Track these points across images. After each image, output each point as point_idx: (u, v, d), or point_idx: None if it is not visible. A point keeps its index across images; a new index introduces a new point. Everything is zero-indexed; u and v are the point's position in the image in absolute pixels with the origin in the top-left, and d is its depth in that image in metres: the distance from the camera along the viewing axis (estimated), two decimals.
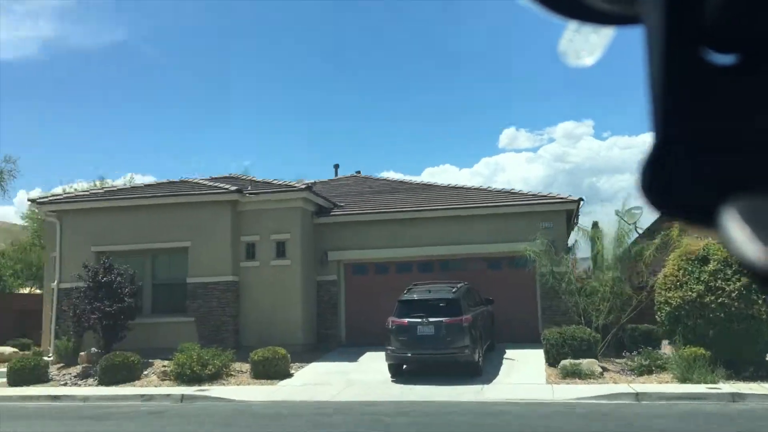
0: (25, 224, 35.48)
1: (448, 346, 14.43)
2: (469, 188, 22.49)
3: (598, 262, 16.76)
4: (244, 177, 21.88)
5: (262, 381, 15.37)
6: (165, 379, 15.64)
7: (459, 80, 68.05)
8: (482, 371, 14.99)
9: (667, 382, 13.93)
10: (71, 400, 13.99)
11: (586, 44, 0.69)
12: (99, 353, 17.23)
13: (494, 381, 14.47)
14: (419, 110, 70.52)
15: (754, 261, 0.53)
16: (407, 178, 25.50)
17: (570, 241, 19.40)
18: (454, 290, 15.31)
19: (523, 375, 14.99)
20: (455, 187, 22.93)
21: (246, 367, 16.36)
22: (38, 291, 30.90)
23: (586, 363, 14.69)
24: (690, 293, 14.70)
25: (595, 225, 18.53)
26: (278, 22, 66.85)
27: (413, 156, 74.52)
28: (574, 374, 14.45)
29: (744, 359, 14.06)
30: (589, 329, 15.91)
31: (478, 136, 72.65)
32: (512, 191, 21.18)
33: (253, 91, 67.97)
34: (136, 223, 19.27)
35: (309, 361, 17.44)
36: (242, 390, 14.54)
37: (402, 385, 14.35)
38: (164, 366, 16.11)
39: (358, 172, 28.16)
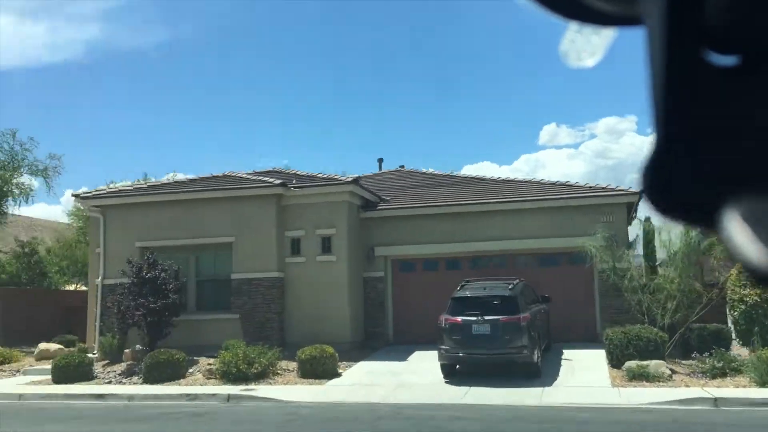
0: (71, 222, 35.74)
1: (505, 346, 13.65)
2: (521, 181, 21.60)
3: (671, 258, 15.70)
4: (288, 171, 21.37)
5: (310, 380, 14.80)
6: (210, 378, 15.19)
7: (498, 76, 66.84)
8: (541, 373, 14.17)
9: (744, 386, 12.90)
10: (116, 399, 13.61)
11: (587, 45, 0.69)
12: (143, 350, 16.91)
13: (555, 383, 13.63)
14: (458, 107, 69.52)
15: (755, 262, 0.52)
16: (453, 172, 24.66)
17: (631, 236, 18.37)
18: (510, 287, 14.51)
19: (586, 377, 14.10)
20: (506, 180, 22.06)
21: (292, 365, 15.84)
22: (84, 288, 31.03)
23: (653, 365, 13.75)
24: None
25: (647, 219, 17.54)
26: (320, 19, 66.57)
27: (451, 154, 73.54)
28: (641, 377, 13.51)
29: None
30: (654, 329, 14.94)
31: (517, 132, 71.36)
32: (567, 183, 20.20)
33: (289, 90, 67.85)
34: (179, 217, 18.92)
35: (356, 359, 16.83)
36: (290, 390, 13.99)
37: (456, 387, 13.61)
38: (209, 364, 15.67)
39: (402, 166, 27.46)
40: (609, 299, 17.67)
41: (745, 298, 13.93)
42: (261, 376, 14.94)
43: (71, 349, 19.78)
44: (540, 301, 16.17)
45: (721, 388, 12.69)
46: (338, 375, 15.29)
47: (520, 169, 64.59)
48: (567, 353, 16.40)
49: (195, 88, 66.92)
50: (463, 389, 13.33)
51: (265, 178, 19.35)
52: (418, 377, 14.72)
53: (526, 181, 21.40)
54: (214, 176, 20.79)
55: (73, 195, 20.27)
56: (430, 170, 24.93)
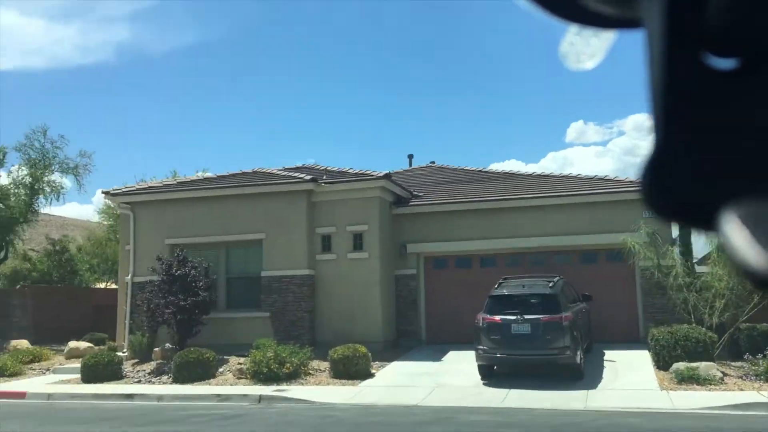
0: (101, 219, 35.83)
1: (546, 347, 13.07)
2: (557, 176, 20.92)
3: (718, 254, 14.95)
4: (318, 167, 20.96)
5: (343, 381, 14.38)
6: (241, 378, 14.85)
7: (524, 74, 65.89)
8: (584, 375, 13.56)
9: None
10: (145, 399, 13.33)
11: (587, 48, 0.69)
12: (173, 349, 16.64)
13: (599, 386, 13.02)
14: (483, 105, 68.71)
15: (754, 265, 0.52)
16: (488, 167, 24.09)
17: (675, 232, 17.60)
18: (550, 285, 13.92)
19: (631, 379, 13.46)
20: (541, 175, 21.42)
21: (324, 365, 15.44)
22: (114, 286, 31.04)
23: (703, 367, 13.07)
24: None
25: None
26: (345, 18, 66.24)
27: (477, 153, 72.72)
28: (690, 379, 12.84)
29: None
30: (703, 329, 14.23)
31: (544, 130, 70.32)
32: (606, 178, 19.48)
33: (314, 89, 67.63)
34: (209, 214, 18.64)
35: (389, 359, 16.36)
36: (322, 391, 13.57)
37: (495, 389, 13.08)
38: (240, 363, 15.33)
39: (432, 162, 26.93)
40: (652, 298, 16.97)
41: None
42: (292, 377, 14.56)
43: (101, 347, 19.63)
44: (581, 299, 15.54)
45: None
46: (371, 375, 14.84)
47: (547, 167, 63.72)
48: (609, 354, 15.75)
49: (222, 88, 67.07)
50: (503, 392, 12.78)
51: (296, 174, 18.97)
52: (454, 378, 14.21)
53: (562, 176, 20.72)
54: (243, 172, 20.48)
55: (102, 192, 20.13)
56: (462, 166, 24.35)
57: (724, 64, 0.57)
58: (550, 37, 65.89)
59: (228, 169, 20.12)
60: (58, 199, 26.81)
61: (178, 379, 15.00)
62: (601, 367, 14.59)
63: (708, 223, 0.56)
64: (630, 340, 16.86)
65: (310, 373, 14.99)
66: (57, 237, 30.62)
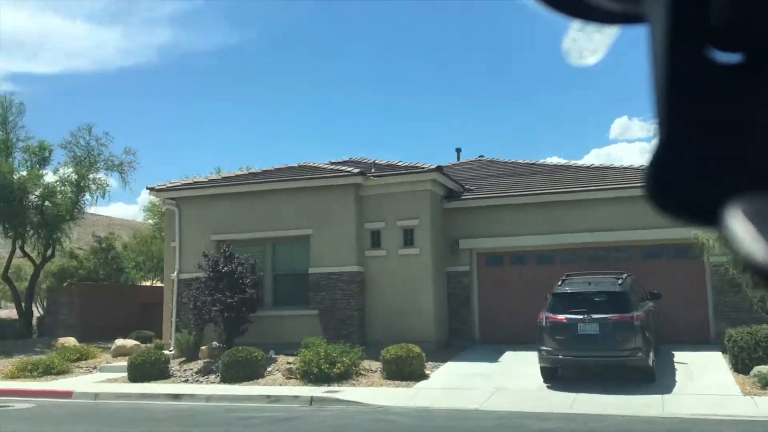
0: (146, 217, 35.90)
1: (616, 348, 12.19)
2: (616, 168, 19.88)
3: None
4: (365, 160, 20.31)
5: (396, 382, 13.71)
6: (290, 378, 14.30)
7: (565, 69, 64.18)
8: (656, 378, 12.63)
9: None
10: (193, 399, 12.87)
11: (589, 43, 0.69)
12: (220, 347, 16.22)
13: (674, 390, 12.08)
14: (523, 100, 67.33)
15: (759, 260, 0.52)
16: (540, 160, 23.09)
17: None
18: (619, 282, 13.03)
19: (707, 383, 12.47)
20: (598, 167, 20.41)
21: (375, 365, 14.80)
22: (159, 283, 31.00)
23: None
24: None
25: None
26: (387, 15, 65.66)
27: (518, 150, 71.38)
28: None
29: None
30: None
31: (586, 126, 68.57)
32: None
33: (356, 86, 67.20)
34: (255, 209, 18.18)
35: (443, 360, 15.64)
36: (376, 392, 12.93)
37: (561, 393, 12.24)
38: (289, 363, 14.79)
39: (481, 156, 26.09)
40: (724, 296, 15.89)
41: None
42: (343, 377, 13.95)
43: (147, 345, 19.38)
44: (648, 297, 14.56)
45: None
46: (426, 377, 14.14)
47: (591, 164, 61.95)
48: (678, 355, 14.77)
49: (263, 87, 67.18)
50: (569, 396, 11.94)
51: (343, 168, 18.39)
52: (515, 381, 13.41)
53: (623, 168, 19.67)
54: (289, 167, 19.99)
55: (147, 188, 19.86)
56: (513, 159, 23.47)
57: (728, 58, 0.56)
58: None
59: (271, 166, 19.64)
60: (103, 197, 26.89)
61: (226, 379, 14.54)
62: (673, 370, 13.63)
63: (712, 219, 0.55)
64: (699, 341, 15.81)
65: (361, 374, 14.36)
66: (103, 235, 30.71)
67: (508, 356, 15.89)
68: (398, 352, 14.09)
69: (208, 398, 12.90)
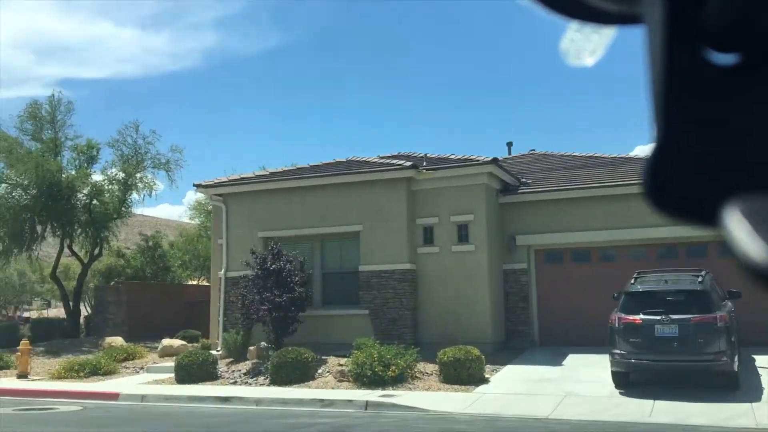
0: (193, 218, 35.81)
1: (698, 352, 11.18)
2: None
3: None
4: (415, 154, 19.54)
5: (455, 386, 12.92)
6: (342, 380, 13.63)
7: (610, 63, 62.47)
8: (740, 384, 11.56)
9: None
10: (242, 402, 12.28)
11: (587, 44, 0.69)
12: (269, 348, 15.66)
13: (763, 398, 11.00)
14: (567, 94, 65.69)
15: (756, 260, 0.51)
16: (597, 153, 21.94)
17: None
18: (699, 280, 11.98)
19: None
20: None
21: (430, 368, 14.04)
22: (205, 282, 30.78)
23: None
24: None
25: None
26: (427, 15, 64.85)
27: (558, 146, 69.76)
28: None
29: None
30: None
31: (631, 121, 66.54)
32: None
33: (399, 84, 66.57)
34: (303, 205, 17.58)
35: (502, 363, 14.79)
36: (434, 397, 12.15)
37: (636, 400, 11.27)
38: (341, 365, 14.12)
39: (533, 150, 25.05)
40: None
41: None
42: (398, 381, 13.21)
43: (194, 344, 18.99)
44: (727, 297, 13.44)
45: None
46: (486, 381, 13.31)
47: None
48: (759, 359, 13.63)
49: (304, 87, 67.07)
50: (647, 403, 10.97)
51: (394, 161, 17.65)
52: (584, 386, 12.47)
53: None
54: (337, 162, 19.35)
55: (195, 185, 19.43)
56: (568, 152, 22.40)
57: (725, 59, 0.56)
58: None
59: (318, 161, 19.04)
60: (150, 195, 26.74)
61: (276, 381, 13.95)
62: (756, 375, 12.53)
63: (709, 218, 0.55)
64: None
65: (416, 377, 13.61)
66: (150, 234, 30.63)
67: (572, 359, 14.96)
68: (456, 355, 13.29)
69: (258, 402, 12.30)
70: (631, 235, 16.46)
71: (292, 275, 15.89)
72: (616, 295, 13.18)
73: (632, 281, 12.59)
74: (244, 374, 14.93)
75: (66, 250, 25.83)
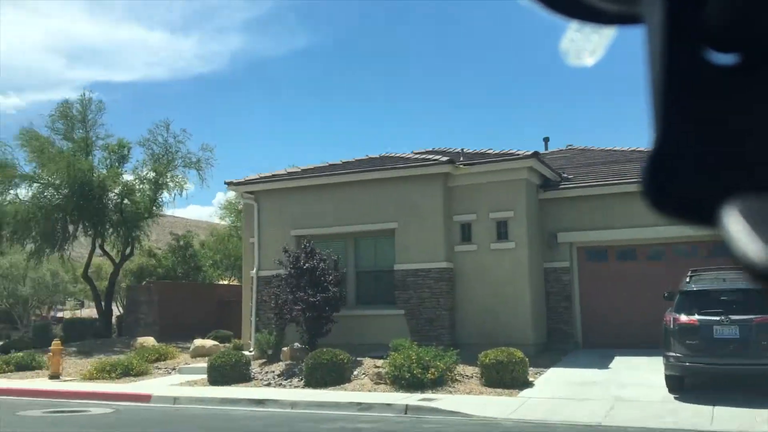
0: (223, 217, 35.67)
1: (761, 355, 10.47)
2: None
3: None
4: (451, 149, 18.98)
5: (497, 390, 12.35)
6: (379, 383, 13.14)
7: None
8: None
9: None
10: (277, 405, 11.85)
11: (587, 44, 0.69)
12: (302, 349, 15.25)
13: None
14: (604, 89, 64.47)
15: (755, 260, 0.51)
16: (639, 147, 21.15)
17: None
18: None
19: None
20: None
21: (470, 370, 13.50)
22: (236, 282, 30.56)
23: None
24: None
25: None
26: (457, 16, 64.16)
27: (600, 140, 68.43)
28: None
29: None
30: None
31: None
32: None
33: (428, 85, 65.95)
34: (336, 203, 17.13)
35: (545, 365, 14.17)
36: (476, 401, 11.59)
37: (693, 406, 10.58)
38: (377, 367, 13.64)
39: (570, 145, 24.30)
40: None
41: None
42: (438, 384, 12.67)
43: (226, 345, 18.68)
44: None
45: None
46: (529, 384, 12.71)
47: None
48: None
49: (332, 87, 66.84)
50: (704, 410, 10.28)
51: (430, 156, 17.11)
52: (634, 391, 11.81)
53: None
54: (370, 158, 18.89)
55: (226, 182, 19.10)
56: (608, 147, 21.62)
57: (725, 59, 0.56)
58: None
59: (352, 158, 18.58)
60: (181, 195, 26.55)
61: (311, 383, 13.52)
62: None
63: (708, 219, 0.55)
64: None
65: (457, 380, 13.06)
66: (181, 234, 30.51)
67: (619, 362, 14.28)
68: (498, 357, 12.71)
69: (294, 405, 11.86)
70: (679, 232, 15.60)
71: (326, 274, 15.45)
72: (666, 294, 12.51)
73: (687, 280, 11.89)
74: (278, 376, 14.53)
75: (98, 250, 25.76)
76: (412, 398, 11.76)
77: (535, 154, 16.07)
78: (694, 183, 0.56)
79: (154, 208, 25.48)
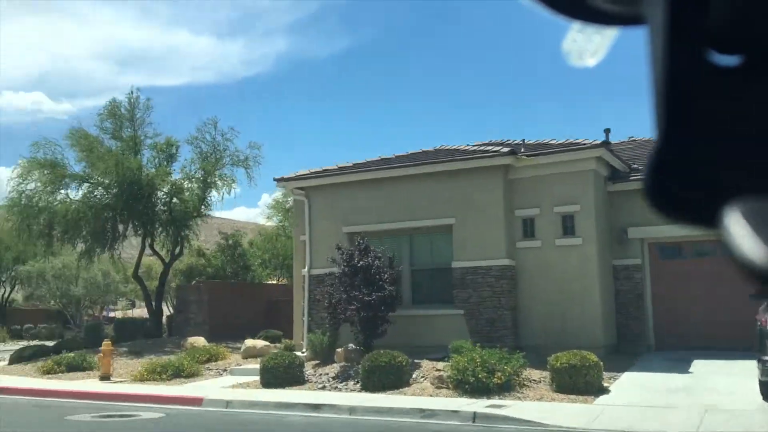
0: (270, 216, 35.36)
1: None
2: None
3: None
4: (509, 141, 18.05)
5: (570, 396, 11.41)
6: (441, 387, 12.34)
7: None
8: None
9: None
10: (334, 411, 11.15)
11: (589, 44, 0.69)
12: (357, 350, 14.56)
13: None
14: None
15: (757, 261, 0.52)
16: None
17: None
18: None
19: None
20: None
21: (537, 374, 12.60)
22: (284, 282, 30.14)
23: None
24: None
25: None
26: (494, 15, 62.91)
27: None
28: None
29: None
30: None
31: None
32: None
33: (475, 80, 64.89)
34: (390, 198, 16.40)
35: (618, 369, 13.15)
36: (549, 409, 10.69)
37: None
38: (438, 370, 12.85)
39: (632, 137, 23.09)
40: None
41: None
42: (504, 389, 11.81)
43: (276, 345, 18.15)
44: None
45: None
46: (605, 390, 11.73)
47: None
48: None
49: (376, 87, 66.36)
50: None
51: (489, 148, 16.23)
52: (724, 399, 10.74)
53: None
54: (424, 151, 18.10)
55: (275, 179, 18.54)
56: None
57: (727, 60, 0.56)
58: None
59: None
60: (229, 193, 26.15)
61: (368, 387, 12.80)
62: None
63: (710, 220, 0.54)
64: None
65: (525, 385, 12.17)
66: (229, 233, 30.25)
67: (699, 366, 13.18)
68: (571, 360, 11.76)
69: (352, 410, 11.14)
70: None
71: (381, 272, 14.72)
72: (753, 294, 11.39)
73: None
74: (333, 378, 13.86)
75: (147, 250, 25.60)
76: (479, 404, 10.92)
77: (604, 144, 15.06)
78: (696, 184, 0.55)
79: (203, 207, 25.19)
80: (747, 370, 10.91)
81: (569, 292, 14.67)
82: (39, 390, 14.34)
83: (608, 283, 15.38)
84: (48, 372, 16.80)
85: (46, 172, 22.97)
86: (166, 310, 28.80)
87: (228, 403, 11.98)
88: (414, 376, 13.26)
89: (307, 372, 14.26)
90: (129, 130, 24.60)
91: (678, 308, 15.20)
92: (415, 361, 13.82)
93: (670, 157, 0.55)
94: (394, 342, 14.30)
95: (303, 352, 15.93)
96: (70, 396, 13.54)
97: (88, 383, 15.19)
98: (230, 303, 23.93)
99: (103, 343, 16.19)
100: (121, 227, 24.26)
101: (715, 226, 0.54)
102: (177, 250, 25.63)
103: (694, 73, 0.55)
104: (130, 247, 28.57)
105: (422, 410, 10.73)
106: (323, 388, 13.40)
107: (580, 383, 11.61)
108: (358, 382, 13.23)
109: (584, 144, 15.20)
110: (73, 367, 16.92)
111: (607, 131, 25.05)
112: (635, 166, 16.36)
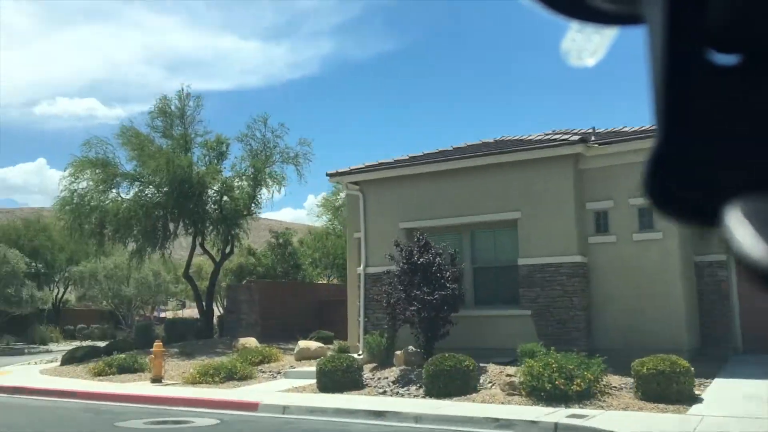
0: (319, 216, 34.83)
1: None
2: None
3: None
4: (574, 130, 16.94)
5: (659, 405, 10.30)
6: (512, 394, 11.37)
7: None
8: None
9: None
10: (399, 419, 10.31)
11: (588, 44, 0.69)
12: (417, 353, 13.72)
13: None
14: None
15: (759, 261, 0.51)
16: None
17: None
18: None
19: None
20: None
21: (617, 380, 11.55)
22: (335, 281, 29.50)
23: None
24: None
25: None
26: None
27: None
28: None
29: None
30: None
31: None
32: None
33: (515, 79, 63.42)
34: (449, 192, 15.50)
35: (707, 375, 11.96)
36: (639, 419, 9.63)
37: None
38: (509, 375, 11.87)
39: None
40: None
41: None
42: (584, 397, 10.77)
43: (329, 346, 17.43)
44: None
45: None
46: (697, 399, 10.58)
47: None
48: None
49: (421, 87, 65.47)
50: None
51: (556, 137, 15.18)
52: None
53: None
54: (484, 143, 17.13)
55: (327, 174, 17.83)
56: None
57: (726, 60, 0.56)
58: None
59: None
60: (279, 191, 25.62)
61: (431, 392, 11.92)
62: None
63: (710, 219, 0.54)
64: None
65: (606, 392, 11.10)
66: (279, 231, 29.76)
67: None
68: (659, 366, 10.64)
69: (418, 419, 10.27)
70: None
71: (443, 270, 13.82)
72: None
73: None
74: (393, 383, 13.02)
75: (198, 249, 25.24)
76: (559, 414, 9.93)
77: None
78: (696, 184, 0.55)
79: (253, 205, 24.70)
80: None
81: (649, 291, 13.52)
82: (90, 393, 13.89)
83: (691, 282, 14.17)
84: (99, 374, 16.43)
85: (97, 171, 22.78)
86: (217, 311, 28.44)
87: (285, 409, 11.24)
88: (481, 381, 12.33)
89: (365, 376, 13.46)
90: (179, 128, 24.28)
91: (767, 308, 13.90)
92: (481, 365, 12.88)
93: (668, 156, 0.55)
94: (455, 344, 13.39)
95: (359, 355, 15.15)
96: (122, 399, 13.04)
97: (139, 386, 14.70)
98: (281, 303, 23.37)
99: (154, 344, 15.71)
100: (171, 226, 23.93)
101: (717, 225, 0.53)
102: (227, 249, 25.21)
103: (692, 73, 0.54)
104: (180, 248, 28.34)
105: (496, 420, 9.79)
106: (383, 393, 12.57)
107: (669, 391, 10.49)
108: (420, 387, 12.37)
109: None
110: (124, 369, 16.51)
111: None
112: None
